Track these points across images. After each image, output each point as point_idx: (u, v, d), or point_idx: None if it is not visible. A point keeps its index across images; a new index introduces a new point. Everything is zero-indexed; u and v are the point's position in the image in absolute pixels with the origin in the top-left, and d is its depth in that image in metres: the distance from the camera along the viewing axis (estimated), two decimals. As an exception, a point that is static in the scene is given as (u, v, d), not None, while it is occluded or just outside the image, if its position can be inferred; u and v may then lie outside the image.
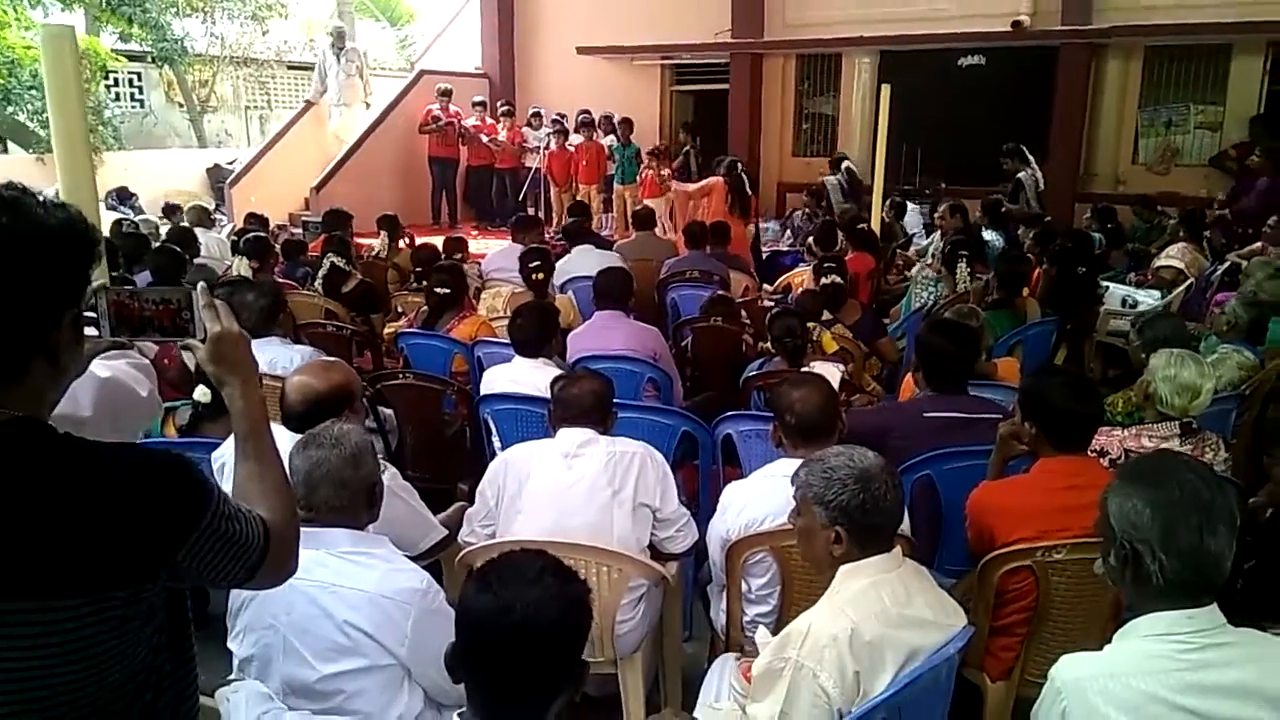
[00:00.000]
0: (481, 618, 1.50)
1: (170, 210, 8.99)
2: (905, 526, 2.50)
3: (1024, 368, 4.52)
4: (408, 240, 7.61)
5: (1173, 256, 6.67)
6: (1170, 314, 4.28)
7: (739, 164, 9.31)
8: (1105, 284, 6.22)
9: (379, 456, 2.50)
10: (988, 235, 7.72)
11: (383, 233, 7.31)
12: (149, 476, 1.24)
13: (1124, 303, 5.89)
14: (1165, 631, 1.58)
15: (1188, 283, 6.30)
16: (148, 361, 1.97)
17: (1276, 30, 9.19)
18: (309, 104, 12.62)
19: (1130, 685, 1.56)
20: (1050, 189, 10.23)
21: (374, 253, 7.27)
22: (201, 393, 3.23)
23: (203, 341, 1.43)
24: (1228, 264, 6.58)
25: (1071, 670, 1.64)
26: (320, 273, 5.55)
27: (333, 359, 3.04)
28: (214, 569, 1.31)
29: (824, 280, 5.20)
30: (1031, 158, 9.32)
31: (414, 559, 2.73)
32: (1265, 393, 4.44)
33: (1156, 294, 6.07)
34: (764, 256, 9.69)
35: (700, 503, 3.57)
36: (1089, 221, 8.86)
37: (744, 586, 2.56)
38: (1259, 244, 7.18)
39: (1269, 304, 4.32)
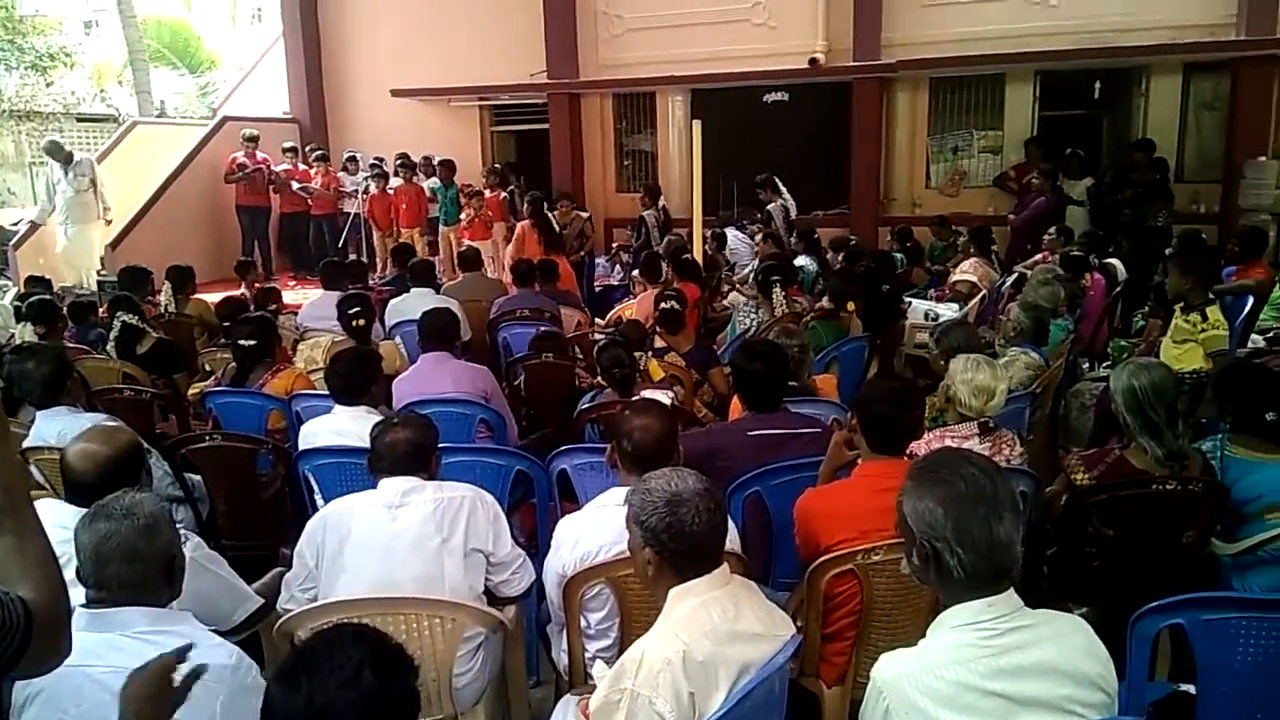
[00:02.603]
0: None
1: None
2: (736, 544, 2.55)
3: (840, 382, 4.74)
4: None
5: (966, 271, 7.21)
6: (963, 323, 4.61)
7: (542, 200, 9.41)
8: (909, 300, 6.65)
9: (182, 527, 2.33)
10: (801, 260, 8.11)
11: (167, 285, 6.85)
12: None
13: (926, 316, 6.32)
14: (970, 621, 1.66)
15: (981, 294, 6.81)
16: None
17: (1041, 60, 10.16)
18: (34, 225, 10.62)
19: (943, 677, 1.63)
20: (854, 213, 10.92)
21: (160, 307, 6.80)
22: None
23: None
24: (1015, 275, 7.16)
25: (890, 668, 1.70)
26: (112, 334, 5.15)
27: (114, 422, 2.83)
28: None
29: (663, 305, 5.29)
30: (784, 188, 9.88)
31: (230, 633, 2.57)
32: (1055, 390, 4.86)
33: (955, 306, 6.54)
34: (596, 291, 9.82)
35: (539, 541, 3.52)
36: (891, 243, 9.47)
37: (583, 622, 2.53)
38: (1041, 254, 7.87)
39: (1046, 309, 4.73)
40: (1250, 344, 6.04)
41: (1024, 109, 10.62)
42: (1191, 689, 2.34)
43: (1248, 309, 6.26)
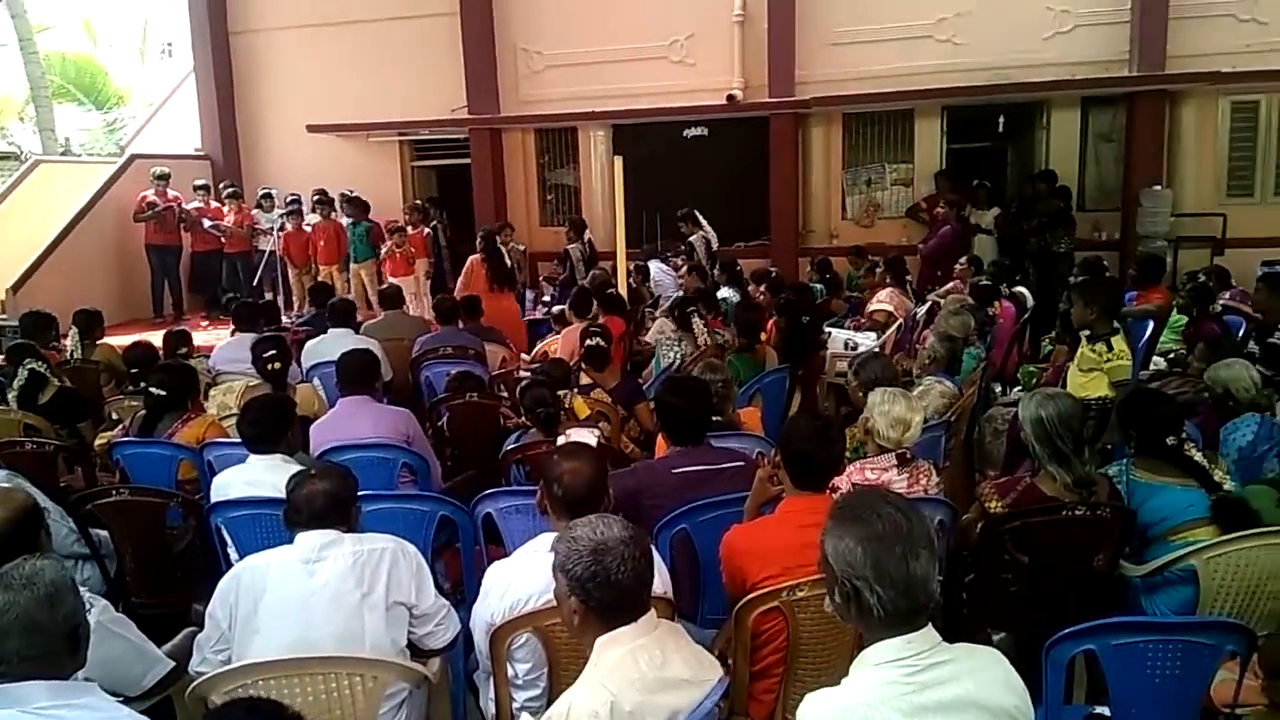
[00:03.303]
0: None
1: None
2: (665, 588, 2.55)
3: (764, 415, 4.80)
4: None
5: (882, 301, 7.39)
6: (879, 355, 4.73)
7: (494, 235, 9.35)
8: (829, 330, 6.79)
9: (88, 586, 2.24)
10: (724, 292, 8.21)
11: (73, 330, 6.59)
12: None
13: (846, 345, 6.46)
14: (890, 658, 1.69)
15: (897, 323, 6.99)
16: None
17: (947, 96, 10.57)
18: None
19: (866, 715, 1.65)
20: (774, 244, 11.15)
21: (65, 353, 6.53)
22: None
23: None
24: (929, 304, 7.38)
25: (814, 708, 1.71)
26: (16, 383, 4.92)
27: (8, 483, 2.71)
28: None
29: (589, 342, 5.29)
30: (704, 221, 10.06)
31: (140, 698, 2.47)
32: (970, 416, 5.00)
33: (872, 335, 6.70)
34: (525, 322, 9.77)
35: (465, 588, 3.46)
36: (811, 273, 9.67)
37: (511, 671, 2.49)
38: (953, 283, 8.12)
39: (958, 338, 4.88)
40: (1152, 366, 6.33)
41: (933, 142, 11.01)
42: (1106, 711, 2.42)
43: (1149, 333, 6.56)
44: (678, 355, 6.21)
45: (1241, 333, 6.32)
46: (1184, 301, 6.80)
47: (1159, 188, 9.83)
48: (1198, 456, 3.21)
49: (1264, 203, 10.14)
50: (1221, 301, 6.91)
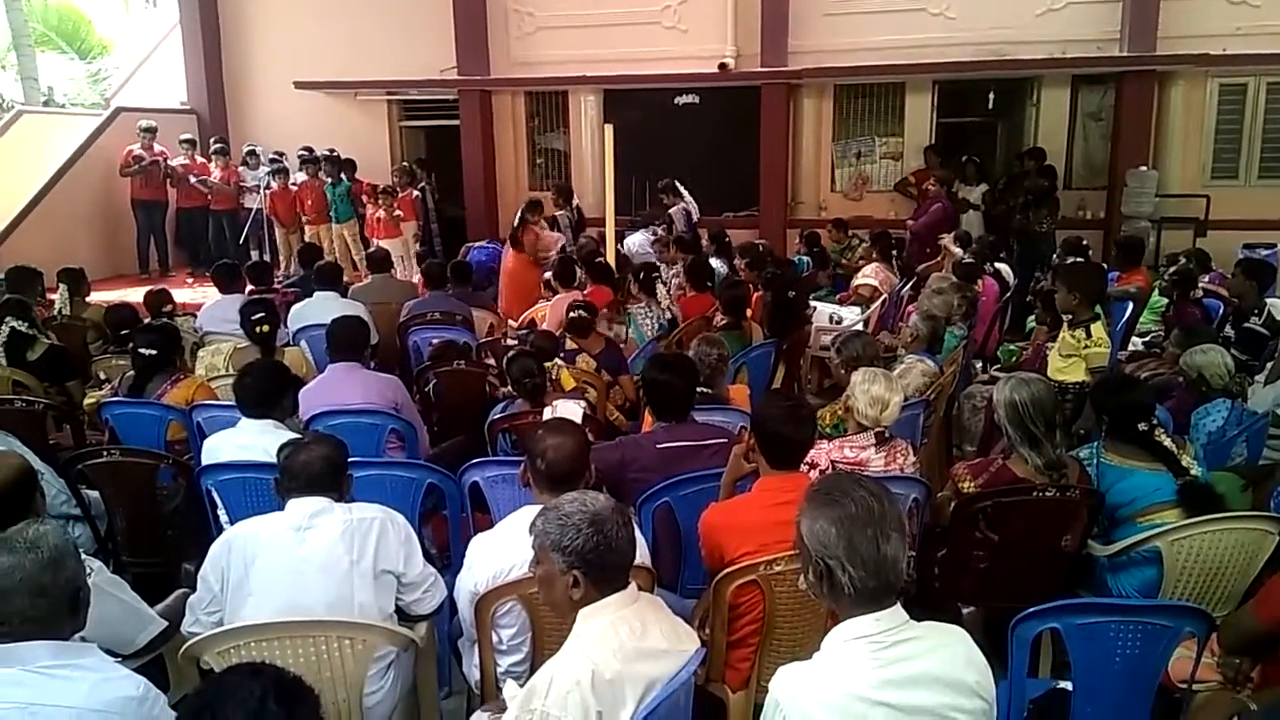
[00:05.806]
0: None
1: None
2: (645, 558, 2.63)
3: (751, 389, 4.87)
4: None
5: (868, 276, 7.44)
6: (861, 333, 4.78)
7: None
8: (814, 303, 6.85)
9: (82, 552, 2.29)
10: (715, 263, 8.24)
11: (62, 287, 6.59)
12: None
13: (831, 319, 6.53)
14: (859, 635, 1.77)
15: (882, 298, 7.06)
16: None
17: (939, 71, 10.56)
18: None
19: (835, 689, 1.74)
20: (763, 215, 11.16)
21: (53, 310, 6.53)
22: None
23: None
24: (914, 279, 7.44)
25: (786, 681, 1.80)
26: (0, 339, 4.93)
27: (2, 445, 2.75)
28: None
29: (572, 315, 5.32)
30: (685, 191, 10.09)
31: (133, 656, 2.54)
32: (949, 395, 5.08)
33: (857, 310, 6.76)
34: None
35: (451, 553, 3.54)
36: (800, 246, 9.70)
37: (495, 638, 2.57)
38: (937, 259, 8.18)
39: (940, 317, 4.95)
40: (1131, 346, 6.43)
41: (923, 116, 11.00)
42: (1068, 685, 2.52)
43: (1129, 314, 6.65)
44: (654, 321, 6.17)
45: (1219, 316, 6.43)
46: (1166, 284, 6.89)
47: (1145, 168, 9.88)
48: (1167, 442, 3.30)
49: (1248, 185, 10.23)
50: (1202, 285, 7.00)
